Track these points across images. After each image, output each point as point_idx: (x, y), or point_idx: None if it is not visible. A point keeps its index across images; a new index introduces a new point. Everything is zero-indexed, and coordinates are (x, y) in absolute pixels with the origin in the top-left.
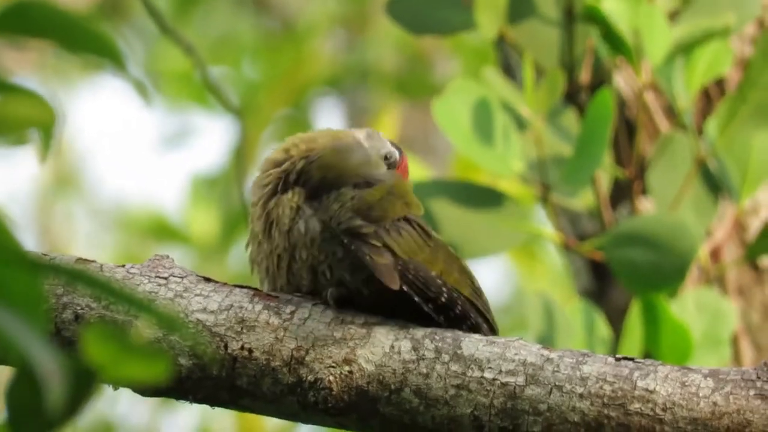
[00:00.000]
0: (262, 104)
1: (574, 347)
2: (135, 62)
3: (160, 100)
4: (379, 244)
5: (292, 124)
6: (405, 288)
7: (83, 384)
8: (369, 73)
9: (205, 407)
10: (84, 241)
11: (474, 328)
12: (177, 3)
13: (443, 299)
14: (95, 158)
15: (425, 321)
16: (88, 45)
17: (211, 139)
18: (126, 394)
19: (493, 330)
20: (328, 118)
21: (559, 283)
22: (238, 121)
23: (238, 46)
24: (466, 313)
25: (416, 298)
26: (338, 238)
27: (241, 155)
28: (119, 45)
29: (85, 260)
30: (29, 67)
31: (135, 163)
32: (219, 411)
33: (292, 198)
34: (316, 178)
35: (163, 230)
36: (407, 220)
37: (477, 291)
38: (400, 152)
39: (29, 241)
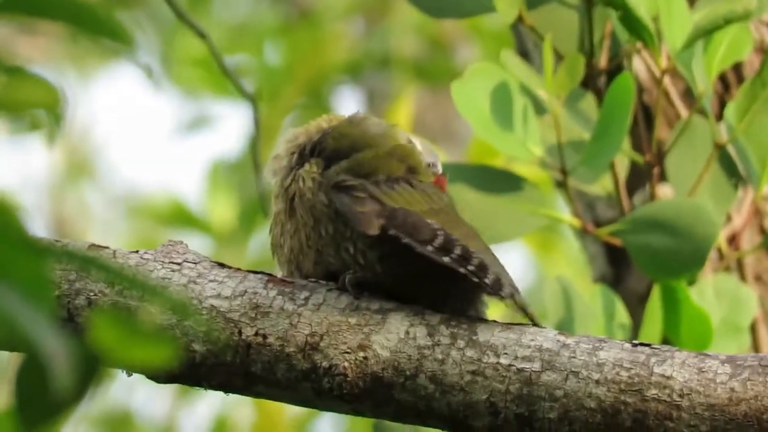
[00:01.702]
0: (282, 91)
1: (593, 333)
2: (150, 48)
3: (177, 86)
4: (363, 195)
5: (312, 111)
6: (392, 232)
7: (90, 368)
8: (389, 59)
9: (222, 396)
10: (99, 229)
11: (482, 269)
12: None
13: (438, 243)
14: (111, 146)
15: (445, 295)
16: (98, 28)
17: (230, 126)
18: (144, 384)
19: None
20: (348, 105)
21: (576, 269)
22: (253, 107)
23: (258, 33)
24: (467, 254)
25: (405, 240)
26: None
27: (256, 142)
28: (128, 29)
29: (99, 246)
30: (42, 53)
31: (152, 150)
32: (238, 401)
33: (310, 169)
34: (330, 148)
35: (181, 217)
36: (408, 182)
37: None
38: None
39: (42, 228)
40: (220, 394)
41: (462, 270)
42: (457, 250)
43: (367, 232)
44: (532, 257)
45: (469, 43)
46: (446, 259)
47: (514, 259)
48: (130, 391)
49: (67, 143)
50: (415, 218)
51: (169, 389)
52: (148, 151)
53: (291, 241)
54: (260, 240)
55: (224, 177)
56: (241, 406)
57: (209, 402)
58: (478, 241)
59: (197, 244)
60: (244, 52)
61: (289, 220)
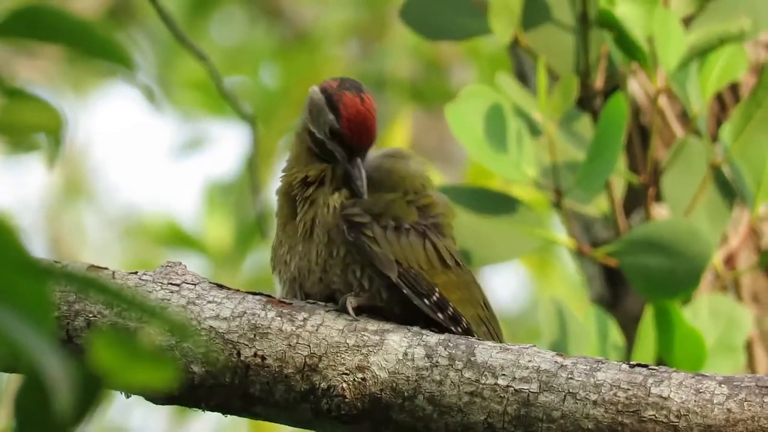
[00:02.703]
0: (277, 113)
1: (587, 354)
2: (147, 69)
3: (174, 107)
4: (371, 234)
5: None
6: (398, 280)
7: (91, 390)
8: (384, 81)
9: (219, 416)
10: (95, 250)
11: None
12: (190, 10)
13: (435, 298)
14: (108, 166)
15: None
16: (97, 50)
17: (226, 147)
18: (141, 404)
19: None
20: None
21: (572, 290)
22: (252, 129)
23: (254, 54)
24: (458, 316)
25: (405, 290)
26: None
27: (255, 164)
28: (129, 50)
29: (98, 267)
30: (41, 75)
31: (149, 171)
32: (233, 421)
33: (337, 198)
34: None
35: (177, 238)
36: (423, 234)
37: (484, 318)
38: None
39: (39, 249)
40: (217, 415)
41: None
42: (449, 311)
43: (389, 274)
44: (528, 278)
45: (465, 64)
46: (440, 316)
47: (510, 280)
48: (127, 413)
49: (64, 164)
50: (416, 272)
51: (166, 410)
52: (144, 172)
53: (300, 261)
54: (256, 260)
55: (220, 198)
56: (238, 427)
57: (206, 422)
58: (470, 308)
59: (193, 264)
60: (240, 74)
61: (303, 242)
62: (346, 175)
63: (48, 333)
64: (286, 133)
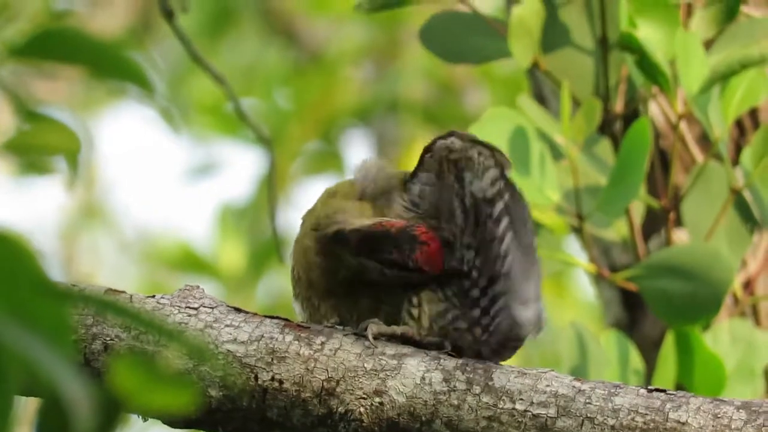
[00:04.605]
0: (290, 135)
1: (607, 379)
2: (163, 90)
3: (188, 129)
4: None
5: (321, 155)
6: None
7: (111, 413)
8: (398, 103)
9: None
10: (110, 273)
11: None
12: (205, 31)
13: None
14: (122, 189)
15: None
16: (116, 71)
17: (239, 170)
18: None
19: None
20: (358, 149)
21: (586, 314)
22: (269, 151)
23: (267, 76)
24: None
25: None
26: None
27: (272, 186)
28: (148, 72)
29: (115, 291)
30: (60, 97)
31: (162, 193)
32: None
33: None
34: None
35: (190, 262)
36: None
37: None
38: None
39: (56, 271)
40: None
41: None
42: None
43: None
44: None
45: (478, 87)
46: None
47: None
48: None
49: (79, 185)
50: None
51: None
52: (157, 194)
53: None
54: (269, 285)
55: (233, 221)
56: None
57: None
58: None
59: (207, 288)
60: (252, 96)
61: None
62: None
63: (67, 356)
64: (299, 156)
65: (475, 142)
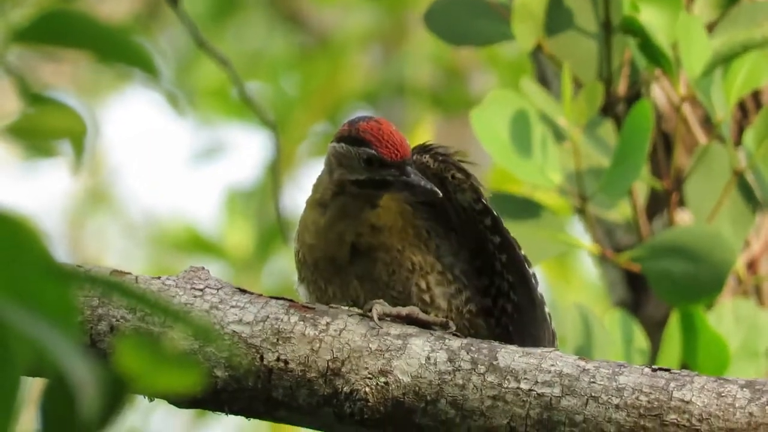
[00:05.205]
0: (297, 119)
1: (612, 358)
2: (169, 75)
3: (194, 113)
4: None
5: (327, 139)
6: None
7: (117, 394)
8: (404, 88)
9: (239, 419)
10: (117, 256)
11: None
12: (211, 15)
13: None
14: (128, 173)
15: None
16: (122, 55)
17: (246, 153)
18: (161, 407)
19: None
20: None
21: (591, 294)
22: (274, 135)
23: (273, 60)
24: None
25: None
26: None
27: (277, 170)
28: (154, 57)
29: (121, 272)
30: (65, 80)
31: (169, 177)
32: (253, 423)
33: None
34: None
35: (197, 244)
36: None
37: None
38: None
39: (62, 254)
40: (238, 418)
41: None
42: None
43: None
44: (548, 283)
45: (484, 71)
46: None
47: None
48: (146, 415)
49: (85, 169)
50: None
51: (186, 413)
52: (164, 177)
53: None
54: (276, 267)
55: (240, 204)
56: (258, 429)
57: (225, 425)
58: None
59: (214, 270)
60: (258, 80)
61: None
62: (408, 188)
63: (73, 336)
64: (305, 139)
65: (449, 163)
